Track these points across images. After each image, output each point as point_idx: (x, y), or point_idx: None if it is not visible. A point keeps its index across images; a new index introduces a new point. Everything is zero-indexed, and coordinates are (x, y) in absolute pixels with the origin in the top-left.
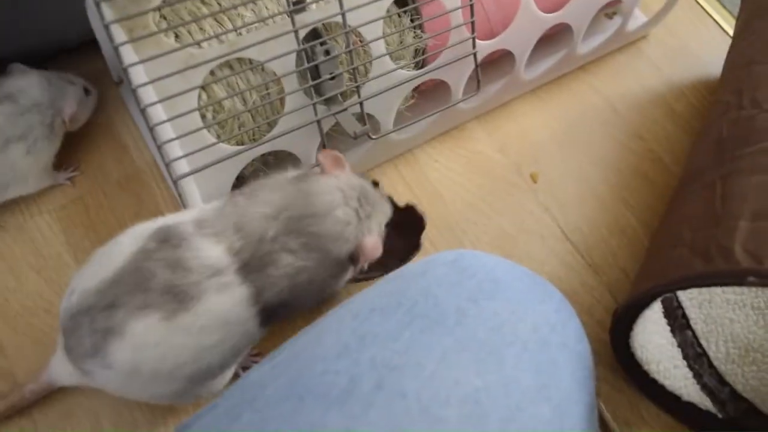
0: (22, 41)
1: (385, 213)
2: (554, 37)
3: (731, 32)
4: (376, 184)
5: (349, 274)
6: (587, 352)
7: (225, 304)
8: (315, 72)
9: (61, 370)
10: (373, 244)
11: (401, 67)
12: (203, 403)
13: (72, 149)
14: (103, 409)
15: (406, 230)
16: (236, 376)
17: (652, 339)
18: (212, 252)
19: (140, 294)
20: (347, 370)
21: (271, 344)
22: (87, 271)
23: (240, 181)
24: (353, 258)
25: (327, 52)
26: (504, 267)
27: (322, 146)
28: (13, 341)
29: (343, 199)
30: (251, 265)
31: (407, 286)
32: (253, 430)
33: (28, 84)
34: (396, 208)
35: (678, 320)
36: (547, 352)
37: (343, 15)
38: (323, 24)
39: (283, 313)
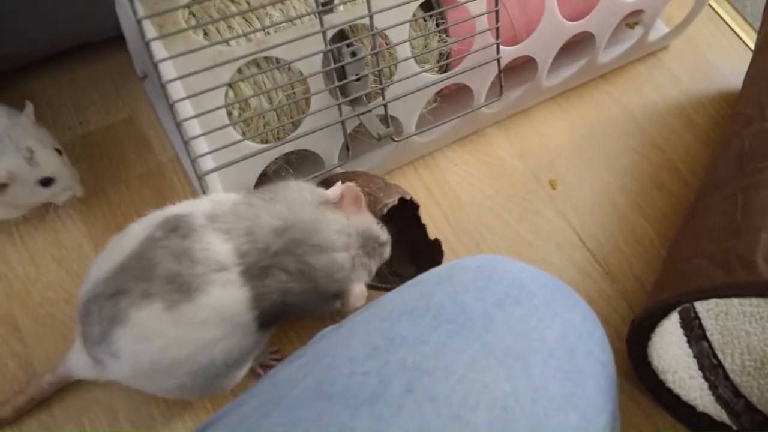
0: (49, 35)
1: (382, 258)
2: (576, 45)
3: (752, 45)
4: (417, 206)
5: (336, 305)
6: (611, 361)
7: (227, 300)
8: (341, 73)
9: (77, 362)
10: (358, 293)
11: (426, 71)
12: (220, 398)
13: (95, 142)
14: (121, 404)
15: (421, 258)
16: (252, 371)
17: (669, 349)
18: (221, 247)
19: (144, 282)
20: (377, 371)
21: (288, 342)
22: (100, 259)
23: (262, 179)
24: (338, 296)
25: (353, 54)
26: (530, 273)
27: (346, 147)
28: (32, 330)
29: (345, 244)
30: (253, 271)
31: (434, 291)
32: (283, 430)
33: None
34: (424, 235)
35: (695, 331)
36: (574, 360)
37: (371, 17)
38: (350, 26)
39: (280, 319)
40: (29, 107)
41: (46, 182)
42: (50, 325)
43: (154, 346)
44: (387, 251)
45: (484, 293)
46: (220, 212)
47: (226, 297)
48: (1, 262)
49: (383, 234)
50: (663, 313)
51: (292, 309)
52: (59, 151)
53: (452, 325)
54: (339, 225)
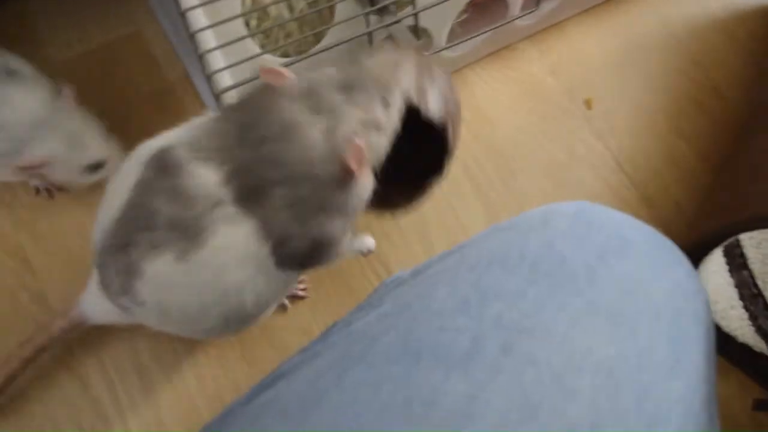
0: None
1: (367, 89)
2: None
3: None
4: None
5: (361, 188)
6: (713, 324)
7: (239, 236)
8: None
9: (95, 308)
10: (353, 153)
11: None
12: (247, 333)
13: (97, 61)
14: (141, 339)
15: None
16: (283, 307)
17: (712, 278)
18: (209, 179)
19: (147, 233)
20: (469, 328)
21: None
22: (103, 207)
23: None
24: (346, 170)
25: None
26: (632, 224)
27: None
28: (44, 263)
29: (297, 116)
30: (245, 194)
31: (527, 238)
32: (366, 389)
33: (17, 99)
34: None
35: (736, 259)
36: (681, 322)
37: None
38: None
39: (309, 257)
40: (68, 90)
41: (95, 167)
42: (62, 256)
43: (176, 296)
44: (365, 72)
45: (585, 244)
46: (195, 137)
47: (237, 233)
48: (5, 190)
49: (333, 72)
50: (721, 239)
51: (316, 227)
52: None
53: (551, 278)
54: (280, 103)
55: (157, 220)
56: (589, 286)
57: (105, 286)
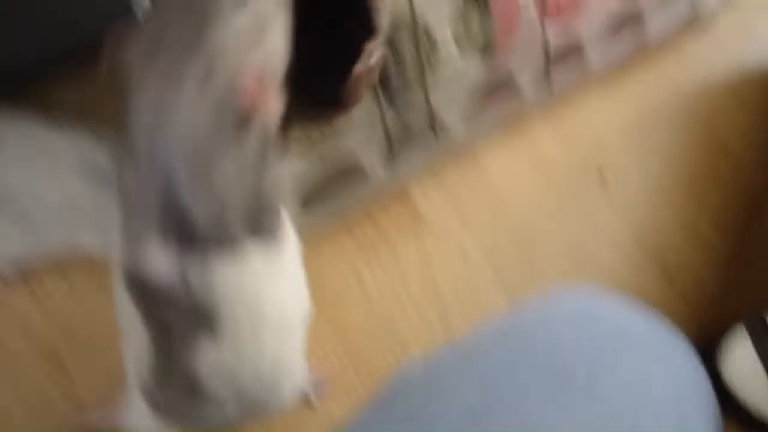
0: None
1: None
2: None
3: None
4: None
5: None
6: (717, 412)
7: (232, 273)
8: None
9: (142, 425)
10: (249, 87)
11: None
12: None
13: None
14: None
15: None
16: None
17: (736, 353)
18: (161, 259)
19: (179, 343)
20: None
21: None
22: (129, 347)
23: None
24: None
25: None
26: (629, 316)
27: (388, 149)
28: (76, 360)
29: (157, 88)
30: (183, 236)
31: (527, 344)
32: None
33: None
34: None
35: (759, 333)
36: (684, 413)
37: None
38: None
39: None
40: None
41: None
42: (93, 353)
43: (245, 367)
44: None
45: (583, 343)
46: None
47: (219, 274)
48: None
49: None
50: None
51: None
52: None
53: (553, 378)
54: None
55: (178, 330)
56: (590, 388)
57: (166, 410)
